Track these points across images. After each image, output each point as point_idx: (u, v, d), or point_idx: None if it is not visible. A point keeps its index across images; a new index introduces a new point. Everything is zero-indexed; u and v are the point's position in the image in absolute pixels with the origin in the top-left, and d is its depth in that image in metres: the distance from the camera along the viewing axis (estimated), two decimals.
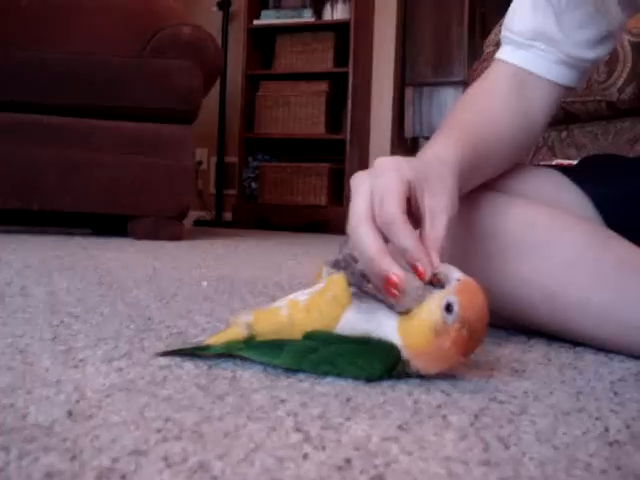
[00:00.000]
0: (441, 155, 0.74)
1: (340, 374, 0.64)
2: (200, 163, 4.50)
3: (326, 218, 4.00)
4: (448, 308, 0.61)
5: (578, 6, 0.87)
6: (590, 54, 0.90)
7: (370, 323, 0.64)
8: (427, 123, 4.24)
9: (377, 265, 0.63)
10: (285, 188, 4.09)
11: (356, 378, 0.63)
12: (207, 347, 0.69)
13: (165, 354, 0.70)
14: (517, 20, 0.92)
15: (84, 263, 1.59)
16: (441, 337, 0.61)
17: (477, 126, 0.86)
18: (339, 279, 0.65)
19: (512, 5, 0.94)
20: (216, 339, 0.69)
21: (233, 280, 1.37)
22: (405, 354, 0.63)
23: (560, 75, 0.91)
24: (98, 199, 2.48)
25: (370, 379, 0.63)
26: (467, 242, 0.85)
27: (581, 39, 0.89)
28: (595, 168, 1.00)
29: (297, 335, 0.64)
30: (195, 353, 0.69)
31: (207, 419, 0.51)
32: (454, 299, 0.60)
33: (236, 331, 0.67)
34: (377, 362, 0.63)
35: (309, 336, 0.64)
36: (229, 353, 0.68)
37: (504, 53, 0.94)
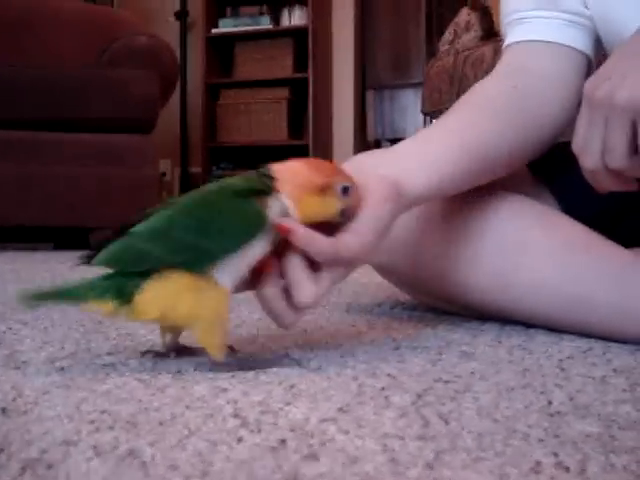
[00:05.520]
0: (404, 183, 0.69)
1: None
2: (164, 174, 4.47)
3: None
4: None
5: None
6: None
7: None
8: (389, 125, 4.25)
9: None
10: None
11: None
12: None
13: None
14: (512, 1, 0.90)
15: (42, 275, 1.57)
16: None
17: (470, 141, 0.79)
18: None
19: None
20: None
21: None
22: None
23: (570, 38, 0.85)
24: (58, 212, 2.45)
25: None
26: (421, 229, 0.85)
27: None
28: (553, 157, 1.00)
29: None
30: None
31: (144, 410, 0.50)
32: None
33: None
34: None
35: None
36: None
37: (509, 38, 0.89)
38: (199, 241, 0.58)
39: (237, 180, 0.63)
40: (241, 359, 0.65)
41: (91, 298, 0.58)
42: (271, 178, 0.62)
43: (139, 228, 0.60)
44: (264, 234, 0.60)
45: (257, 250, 0.61)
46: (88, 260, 0.60)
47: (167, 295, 0.58)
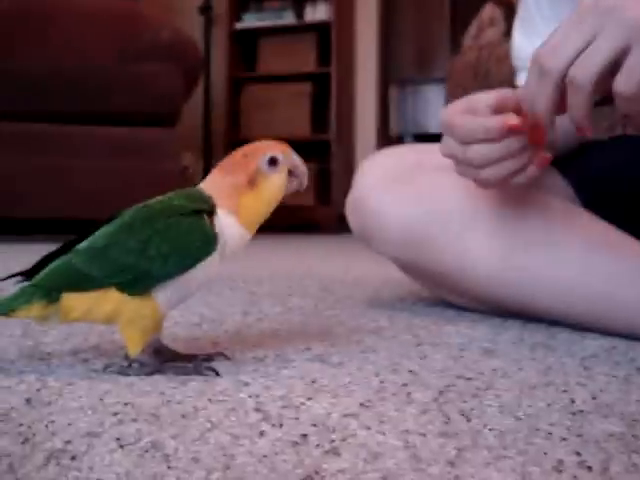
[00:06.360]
0: None
1: None
2: (187, 168, 4.48)
3: (313, 218, 3.99)
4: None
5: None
6: None
7: None
8: (412, 120, 4.23)
9: None
10: None
11: None
12: None
13: None
14: (517, 46, 0.95)
15: None
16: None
17: None
18: None
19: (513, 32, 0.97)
20: None
21: None
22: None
23: None
24: (81, 205, 2.47)
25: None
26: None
27: None
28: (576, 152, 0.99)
29: None
30: None
31: (167, 403, 0.50)
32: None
33: None
34: None
35: None
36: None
37: (518, 80, 0.96)
38: (139, 262, 0.56)
39: (180, 199, 0.59)
40: (164, 364, 0.59)
41: (18, 306, 0.57)
42: (207, 197, 0.58)
43: (82, 245, 0.58)
44: (215, 252, 0.57)
45: (205, 270, 0.58)
46: (28, 277, 0.59)
47: (94, 294, 0.57)
